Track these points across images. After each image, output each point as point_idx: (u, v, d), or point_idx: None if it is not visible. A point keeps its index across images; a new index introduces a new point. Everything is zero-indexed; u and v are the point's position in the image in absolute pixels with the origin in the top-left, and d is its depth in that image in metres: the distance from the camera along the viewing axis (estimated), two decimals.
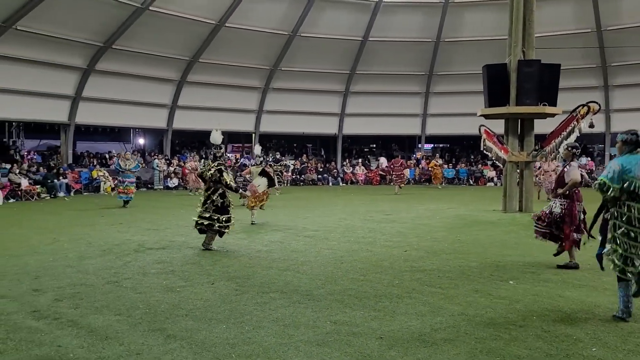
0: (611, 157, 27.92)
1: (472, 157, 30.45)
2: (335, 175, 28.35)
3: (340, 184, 27.83)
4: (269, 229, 11.11)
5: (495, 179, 27.19)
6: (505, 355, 4.20)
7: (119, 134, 31.48)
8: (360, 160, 30.42)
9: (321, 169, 28.55)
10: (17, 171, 18.64)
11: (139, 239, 9.75)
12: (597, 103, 13.47)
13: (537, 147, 13.90)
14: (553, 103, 13.54)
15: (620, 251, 5.04)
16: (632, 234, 4.99)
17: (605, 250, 5.24)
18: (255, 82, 27.45)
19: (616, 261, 5.06)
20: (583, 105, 13.30)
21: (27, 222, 12.37)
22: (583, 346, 4.38)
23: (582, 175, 7.36)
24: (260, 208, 12.08)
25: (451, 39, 26.27)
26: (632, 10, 23.33)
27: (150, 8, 21.06)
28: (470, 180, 28.06)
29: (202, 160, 22.51)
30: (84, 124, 24.10)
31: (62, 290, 6.08)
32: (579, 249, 7.26)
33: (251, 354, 4.20)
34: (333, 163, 29.79)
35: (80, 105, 22.89)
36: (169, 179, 23.84)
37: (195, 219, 8.80)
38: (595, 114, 13.30)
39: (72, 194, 20.09)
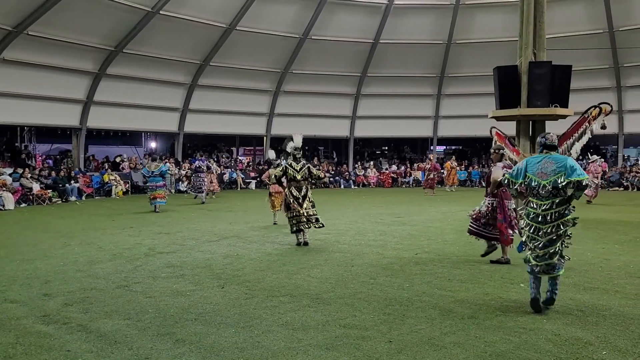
0: (624, 158, 27.77)
1: (484, 158, 30.30)
2: (347, 177, 28.32)
3: (352, 186, 27.79)
4: (280, 232, 11.11)
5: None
6: (515, 359, 4.17)
7: (130, 137, 31.62)
8: (372, 162, 30.36)
9: (333, 172, 28.52)
10: (29, 176, 18.78)
11: (149, 242, 9.78)
12: (609, 104, 13.33)
13: None
14: (564, 104, 13.40)
15: (528, 241, 5.51)
16: (534, 228, 5.45)
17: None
18: (267, 85, 27.51)
19: (531, 251, 5.50)
20: (595, 107, 13.17)
21: (38, 226, 12.46)
22: (593, 350, 4.35)
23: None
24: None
25: (462, 41, 26.16)
26: None
27: (161, 12, 21.15)
28: (483, 182, 27.87)
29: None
30: (95, 128, 24.25)
31: (72, 294, 6.12)
32: (511, 245, 7.64)
33: (260, 358, 4.20)
34: (345, 165, 29.77)
35: (92, 110, 23.03)
36: (180, 182, 23.92)
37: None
38: (607, 115, 13.17)
39: (83, 198, 20.21)
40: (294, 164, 9.42)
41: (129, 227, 11.97)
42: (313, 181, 9.69)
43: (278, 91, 27.72)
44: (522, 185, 5.54)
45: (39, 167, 21.43)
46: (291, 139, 9.78)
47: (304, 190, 9.37)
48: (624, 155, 28.12)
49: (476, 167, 28.95)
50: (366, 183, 28.07)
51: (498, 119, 14.43)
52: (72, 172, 21.20)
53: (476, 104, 25.64)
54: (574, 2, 23.47)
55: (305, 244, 9.24)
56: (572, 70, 13.72)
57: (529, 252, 5.50)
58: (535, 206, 5.47)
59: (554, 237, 5.36)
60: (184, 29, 22.51)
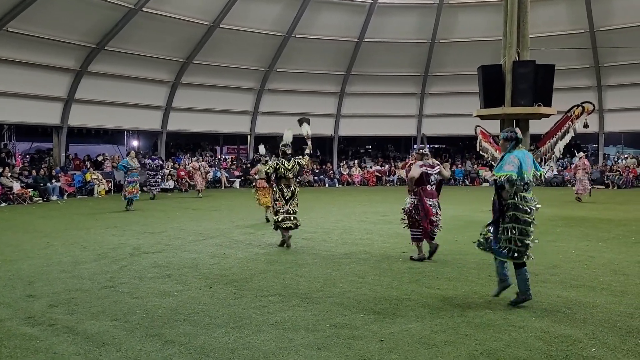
0: (604, 157, 28.12)
1: (468, 157, 30.49)
2: (332, 176, 28.32)
3: (337, 185, 27.79)
4: (267, 231, 11.05)
5: (490, 179, 27.22)
6: (506, 356, 4.19)
7: (112, 136, 31.29)
8: (356, 161, 30.40)
9: (317, 170, 28.50)
10: (9, 174, 18.47)
11: (134, 242, 9.67)
12: (591, 103, 13.50)
13: (532, 148, 13.90)
14: (548, 104, 13.51)
15: (518, 237, 5.42)
16: (527, 221, 5.44)
17: (499, 241, 5.57)
18: (251, 84, 27.37)
19: (516, 248, 5.45)
20: (578, 106, 13.33)
21: (19, 226, 12.25)
22: (582, 347, 4.38)
23: (427, 174, 7.93)
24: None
25: (446, 40, 26.27)
26: (624, 11, 23.39)
27: (144, 9, 20.90)
28: (466, 181, 28.09)
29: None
30: (76, 127, 23.93)
31: (57, 295, 6.02)
32: (432, 240, 7.91)
33: (251, 359, 4.17)
34: (329, 164, 29.76)
35: (73, 108, 22.69)
36: (164, 181, 23.68)
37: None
38: (589, 114, 13.33)
39: (65, 197, 19.95)
40: (285, 161, 9.15)
41: (113, 226, 11.83)
42: (302, 170, 9.69)
43: (262, 89, 27.61)
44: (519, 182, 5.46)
45: (19, 165, 21.08)
46: (304, 120, 9.87)
47: (292, 188, 9.22)
48: (604, 154, 28.49)
49: (460, 165, 29.13)
50: (350, 182, 28.09)
51: (482, 117, 14.51)
52: (53, 171, 20.89)
53: (460, 103, 25.78)
54: (555, 2, 23.69)
55: (288, 246, 9.03)
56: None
57: (515, 249, 5.47)
58: (526, 200, 5.47)
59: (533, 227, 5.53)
60: (167, 26, 22.29)
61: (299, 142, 13.20)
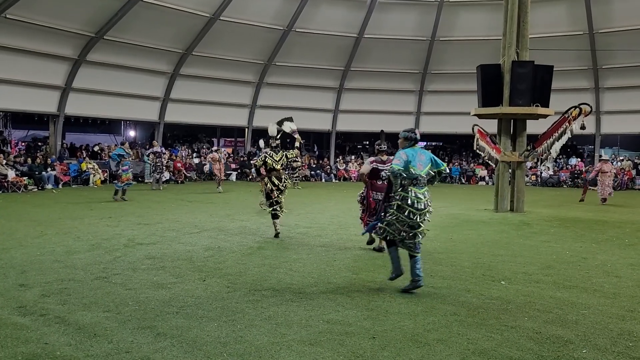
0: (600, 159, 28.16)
1: (465, 155, 30.51)
2: (328, 171, 28.31)
3: (333, 180, 27.79)
4: (261, 225, 11.04)
5: (486, 178, 27.25)
6: (497, 356, 4.19)
7: (109, 126, 31.22)
8: (353, 156, 30.38)
9: (314, 165, 28.49)
10: (4, 162, 18.40)
11: (129, 233, 9.65)
12: (588, 105, 13.54)
13: (529, 148, 13.95)
14: (545, 104, 13.58)
15: (397, 225, 5.91)
16: (409, 212, 5.85)
17: (380, 224, 6.12)
18: (249, 77, 27.33)
19: (395, 234, 5.97)
20: (575, 107, 13.36)
21: (13, 214, 12.20)
22: (574, 348, 4.38)
23: (379, 169, 8.17)
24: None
25: (446, 38, 26.27)
26: (623, 14, 23.45)
27: None
28: (462, 179, 28.12)
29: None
30: (73, 115, 23.85)
31: (49, 285, 5.99)
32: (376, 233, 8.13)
33: (243, 353, 4.16)
34: (326, 159, 29.75)
35: (70, 96, 22.64)
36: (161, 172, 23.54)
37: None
38: (586, 115, 13.37)
39: (60, 186, 19.89)
40: (273, 153, 9.45)
41: (108, 217, 11.80)
42: (290, 163, 9.94)
43: (261, 83, 27.57)
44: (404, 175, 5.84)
45: (14, 153, 21.01)
46: (285, 120, 10.05)
47: (283, 179, 9.51)
48: (600, 156, 28.51)
49: (456, 163, 29.15)
50: (347, 177, 28.09)
51: (480, 116, 14.55)
52: (49, 159, 20.83)
53: (458, 101, 25.83)
54: (556, 3, 23.72)
55: (277, 235, 9.34)
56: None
57: (392, 234, 5.95)
58: (414, 194, 5.86)
59: (423, 220, 5.95)
60: (167, 17, 22.22)
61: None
